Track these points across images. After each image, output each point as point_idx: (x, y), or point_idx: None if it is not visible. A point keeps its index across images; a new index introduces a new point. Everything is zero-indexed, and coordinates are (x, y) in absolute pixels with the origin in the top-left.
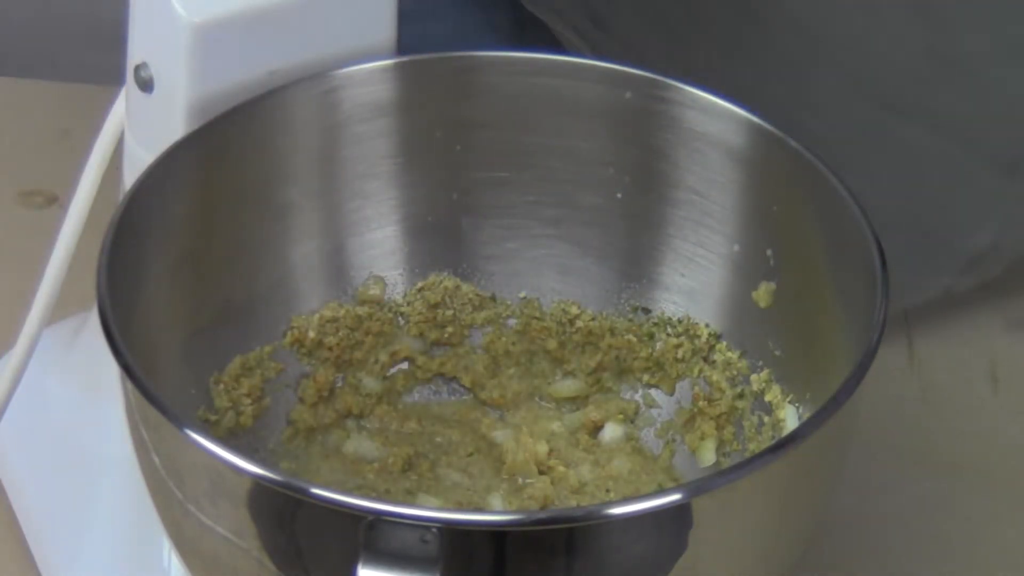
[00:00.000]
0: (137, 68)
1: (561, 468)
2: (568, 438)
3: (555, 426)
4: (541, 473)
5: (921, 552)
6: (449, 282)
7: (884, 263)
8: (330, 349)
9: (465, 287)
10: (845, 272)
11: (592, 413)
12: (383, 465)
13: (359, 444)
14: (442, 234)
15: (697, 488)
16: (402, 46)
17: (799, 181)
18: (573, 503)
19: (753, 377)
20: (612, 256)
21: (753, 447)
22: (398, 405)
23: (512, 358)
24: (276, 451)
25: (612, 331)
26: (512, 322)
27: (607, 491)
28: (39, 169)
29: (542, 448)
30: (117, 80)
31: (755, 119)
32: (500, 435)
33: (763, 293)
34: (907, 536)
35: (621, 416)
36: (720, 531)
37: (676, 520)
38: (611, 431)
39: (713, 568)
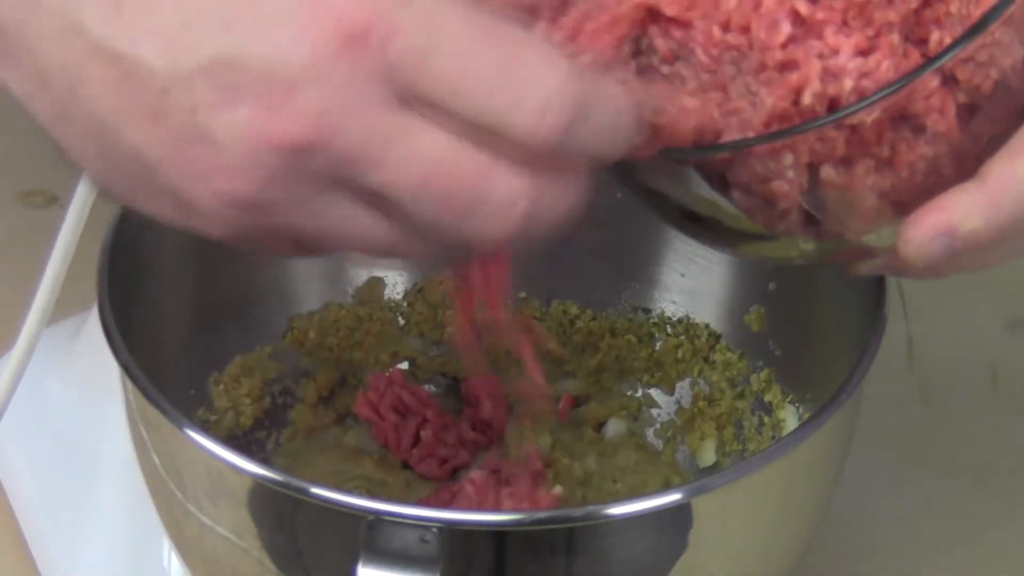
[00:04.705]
0: None
1: (565, 460)
2: (572, 431)
3: (558, 420)
4: (546, 466)
5: (921, 552)
6: (449, 282)
7: None
8: (330, 349)
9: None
10: (845, 273)
11: (595, 409)
12: (382, 456)
13: (359, 436)
14: None
15: (697, 488)
16: None
17: None
18: (579, 495)
19: (753, 377)
20: (612, 256)
21: (753, 447)
22: None
23: (512, 358)
24: (276, 451)
25: (612, 331)
26: None
27: (614, 481)
28: (39, 169)
29: (545, 440)
30: None
31: None
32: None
33: (755, 317)
34: (907, 536)
35: (624, 412)
36: (720, 531)
37: (676, 520)
38: (614, 427)
39: (713, 568)
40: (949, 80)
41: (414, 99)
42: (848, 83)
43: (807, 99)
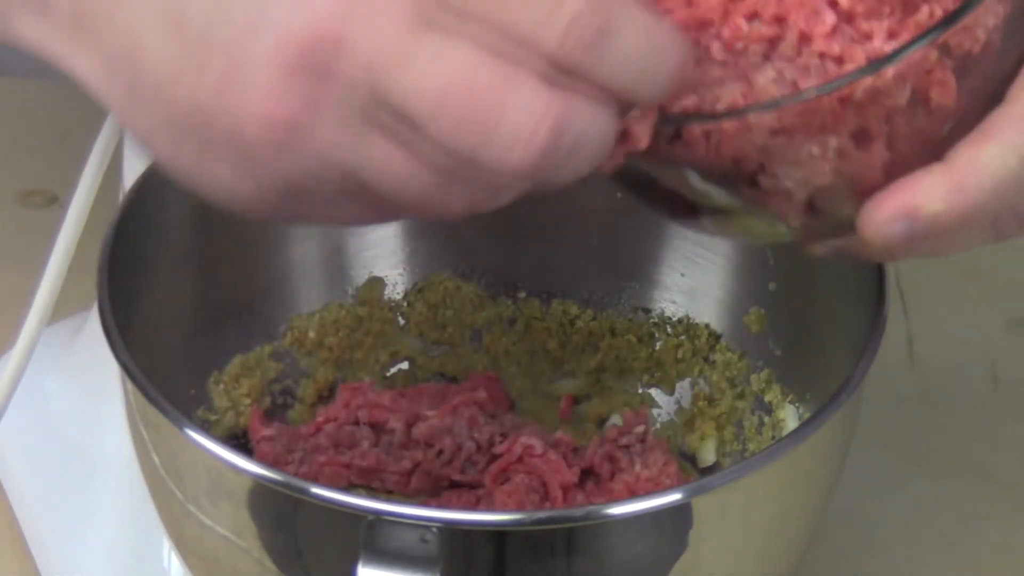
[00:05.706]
0: None
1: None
2: (574, 427)
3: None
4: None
5: (921, 552)
6: (449, 282)
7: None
8: (330, 349)
9: (465, 287)
10: (845, 272)
11: (598, 405)
12: None
13: None
14: (442, 234)
15: (697, 488)
16: None
17: None
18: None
19: (753, 377)
20: (612, 256)
21: (753, 447)
22: None
23: (512, 358)
24: None
25: (612, 331)
26: (512, 322)
27: None
28: (39, 169)
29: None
30: None
31: None
32: (507, 419)
33: (754, 318)
34: (907, 536)
35: (627, 408)
36: (720, 531)
37: (676, 520)
38: (616, 423)
39: (713, 568)
40: (942, 48)
41: (438, 11)
42: (889, 67)
43: (859, 94)
